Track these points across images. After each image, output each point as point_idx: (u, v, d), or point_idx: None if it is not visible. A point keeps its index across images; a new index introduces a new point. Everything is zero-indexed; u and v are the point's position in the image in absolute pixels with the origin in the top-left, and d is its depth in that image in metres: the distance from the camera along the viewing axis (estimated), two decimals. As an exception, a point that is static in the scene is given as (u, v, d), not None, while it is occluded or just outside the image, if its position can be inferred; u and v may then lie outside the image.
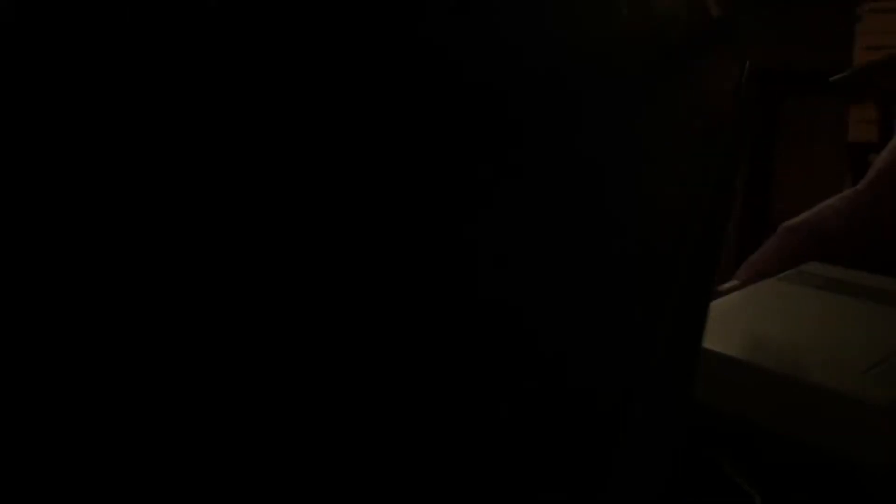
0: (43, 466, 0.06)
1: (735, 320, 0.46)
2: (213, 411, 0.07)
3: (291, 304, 0.08)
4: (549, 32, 0.15)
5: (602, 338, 0.17)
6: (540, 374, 0.13)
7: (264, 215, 0.08)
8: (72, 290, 0.06)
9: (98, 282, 0.06)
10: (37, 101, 0.06)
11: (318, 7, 0.09)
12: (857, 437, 0.39)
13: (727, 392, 0.42)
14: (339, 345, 0.09)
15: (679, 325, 0.25)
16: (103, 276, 0.06)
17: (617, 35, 0.20)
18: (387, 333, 0.09)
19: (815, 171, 2.36)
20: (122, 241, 0.07)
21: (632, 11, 0.21)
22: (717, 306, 0.47)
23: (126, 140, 0.07)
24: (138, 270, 0.07)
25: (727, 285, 0.49)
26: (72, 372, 0.06)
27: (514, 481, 0.12)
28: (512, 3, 0.14)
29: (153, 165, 0.07)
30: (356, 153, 0.09)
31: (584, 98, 0.17)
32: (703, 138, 0.31)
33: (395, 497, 0.09)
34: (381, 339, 0.09)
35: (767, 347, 0.44)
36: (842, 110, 2.44)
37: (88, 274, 0.06)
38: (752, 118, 1.98)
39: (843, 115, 2.44)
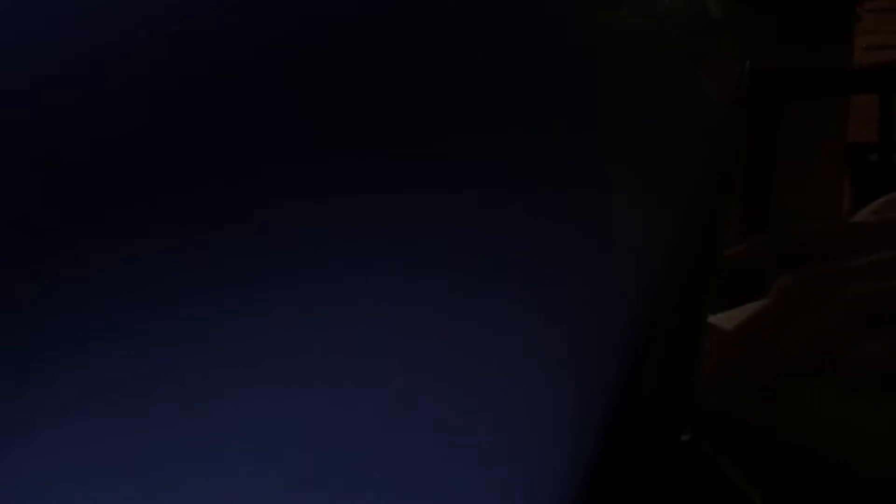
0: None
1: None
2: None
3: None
4: (549, 31, 0.15)
5: (599, 339, 0.17)
6: (536, 378, 0.13)
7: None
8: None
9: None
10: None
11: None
12: (855, 439, 0.39)
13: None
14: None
15: (679, 327, 0.25)
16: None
17: (616, 35, 0.20)
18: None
19: (815, 171, 2.36)
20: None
21: (631, 11, 0.21)
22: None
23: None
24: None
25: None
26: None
27: (515, 483, 0.12)
28: (514, 4, 0.14)
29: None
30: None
31: (582, 98, 0.17)
32: (702, 139, 0.31)
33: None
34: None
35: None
36: (842, 110, 2.44)
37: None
38: (752, 118, 1.98)
39: (843, 115, 2.45)
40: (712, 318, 0.45)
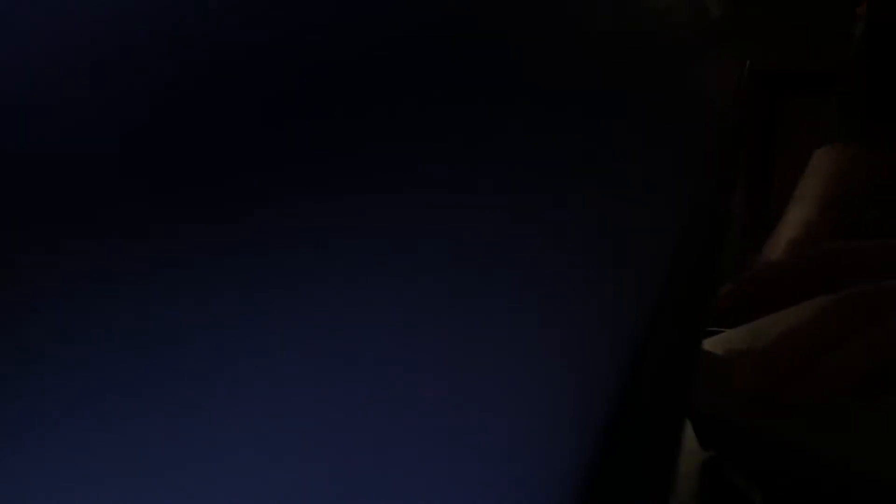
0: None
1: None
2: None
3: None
4: (549, 32, 0.15)
5: (600, 339, 0.17)
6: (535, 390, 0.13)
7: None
8: None
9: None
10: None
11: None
12: (861, 445, 0.38)
13: (728, 395, 0.41)
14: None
15: (680, 327, 0.25)
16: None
17: (616, 35, 0.20)
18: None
19: (815, 171, 2.35)
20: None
21: (631, 12, 0.21)
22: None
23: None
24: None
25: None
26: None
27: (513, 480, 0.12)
28: (517, 5, 0.14)
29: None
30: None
31: (582, 99, 0.17)
32: (702, 138, 0.31)
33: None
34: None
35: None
36: (842, 110, 2.43)
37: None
38: (752, 118, 1.98)
39: (843, 115, 2.44)
40: (720, 339, 0.44)
